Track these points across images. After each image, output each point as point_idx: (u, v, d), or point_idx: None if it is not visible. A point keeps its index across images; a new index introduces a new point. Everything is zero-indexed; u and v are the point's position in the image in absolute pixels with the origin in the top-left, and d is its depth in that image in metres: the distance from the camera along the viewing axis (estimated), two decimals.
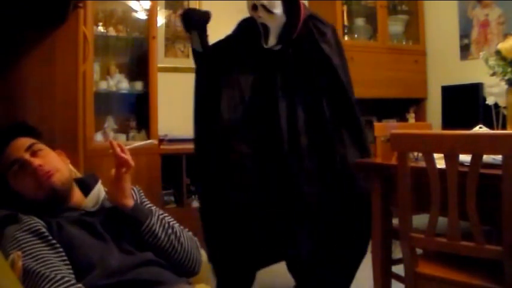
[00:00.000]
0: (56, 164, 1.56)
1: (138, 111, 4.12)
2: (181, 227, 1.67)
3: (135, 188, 1.73)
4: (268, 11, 2.47)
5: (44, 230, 1.38)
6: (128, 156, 1.58)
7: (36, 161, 1.50)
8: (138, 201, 1.67)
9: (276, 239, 2.48)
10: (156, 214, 1.58)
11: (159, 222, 1.55)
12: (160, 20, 4.37)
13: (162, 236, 1.54)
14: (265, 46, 2.57)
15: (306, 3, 5.13)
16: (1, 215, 1.44)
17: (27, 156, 1.51)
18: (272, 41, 2.55)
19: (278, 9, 2.48)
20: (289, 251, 2.53)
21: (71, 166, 1.73)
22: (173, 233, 1.57)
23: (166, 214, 1.70)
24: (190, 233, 1.68)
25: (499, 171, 1.76)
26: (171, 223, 1.61)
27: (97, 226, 1.48)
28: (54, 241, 1.37)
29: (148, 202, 1.72)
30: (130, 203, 1.55)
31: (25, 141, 1.55)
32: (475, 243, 1.82)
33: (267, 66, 2.58)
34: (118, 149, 1.56)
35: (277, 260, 2.70)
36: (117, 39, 4.11)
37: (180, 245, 1.57)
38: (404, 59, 5.00)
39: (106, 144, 3.72)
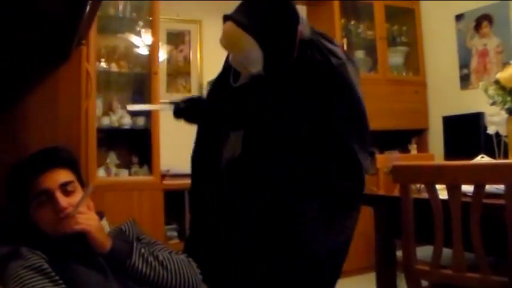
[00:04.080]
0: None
1: (141, 146, 4.13)
2: (173, 251, 1.65)
3: (129, 222, 1.70)
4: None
5: (46, 266, 1.37)
6: (82, 216, 1.47)
7: (65, 202, 1.47)
8: (133, 236, 1.64)
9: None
10: (138, 249, 1.52)
11: (141, 257, 1.51)
12: (162, 55, 4.42)
13: (148, 271, 1.50)
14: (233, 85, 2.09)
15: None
16: (3, 251, 1.43)
17: (58, 193, 1.47)
18: (243, 79, 2.06)
19: (255, 66, 1.95)
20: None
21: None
22: (159, 264, 1.53)
23: (159, 242, 1.68)
24: (183, 256, 1.65)
25: (502, 201, 1.76)
26: (157, 252, 1.57)
27: (101, 261, 1.47)
28: (56, 277, 1.36)
29: (144, 235, 1.70)
30: (106, 247, 1.48)
31: (63, 176, 1.51)
32: (481, 274, 1.80)
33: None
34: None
35: None
36: (119, 74, 4.14)
37: (170, 274, 1.54)
38: (404, 90, 5.03)
39: (108, 180, 3.77)
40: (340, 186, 1.94)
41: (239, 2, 1.99)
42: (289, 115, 1.93)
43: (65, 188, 1.50)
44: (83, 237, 1.47)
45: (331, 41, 2.01)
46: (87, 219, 1.47)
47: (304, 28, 1.95)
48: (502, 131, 2.66)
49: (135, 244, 1.55)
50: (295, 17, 1.93)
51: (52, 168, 1.51)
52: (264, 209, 1.93)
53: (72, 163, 1.59)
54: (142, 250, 1.54)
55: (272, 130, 1.95)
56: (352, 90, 1.96)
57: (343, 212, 1.98)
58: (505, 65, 3.11)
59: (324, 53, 1.93)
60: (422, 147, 5.08)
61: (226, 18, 1.94)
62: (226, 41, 1.97)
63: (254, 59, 1.92)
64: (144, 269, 1.50)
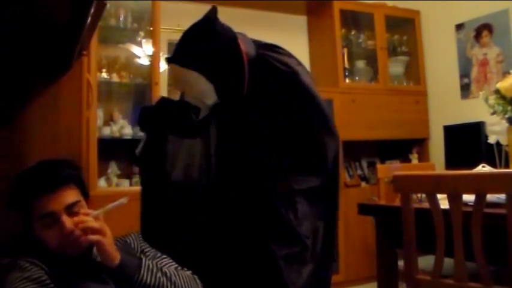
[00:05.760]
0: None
1: None
2: (178, 267, 1.65)
3: (133, 235, 1.70)
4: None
5: (45, 277, 1.37)
6: (96, 224, 1.46)
7: (71, 224, 1.44)
8: (138, 249, 1.64)
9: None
10: (146, 264, 1.51)
11: (149, 272, 1.49)
12: (163, 66, 4.42)
13: (156, 285, 1.49)
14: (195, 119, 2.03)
15: (307, 47, 5.20)
16: (3, 263, 1.43)
17: (64, 216, 1.44)
18: (204, 112, 2.02)
19: (210, 98, 1.94)
20: None
21: None
22: (167, 280, 1.52)
23: (164, 256, 1.67)
24: (188, 272, 1.64)
25: (503, 211, 1.75)
26: (164, 268, 1.57)
27: (102, 274, 1.46)
28: None
29: (148, 247, 1.69)
30: (115, 261, 1.46)
31: (68, 197, 1.48)
32: (483, 284, 1.79)
33: None
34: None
35: None
36: (120, 85, 4.14)
37: None
38: (405, 100, 5.04)
39: (109, 190, 3.76)
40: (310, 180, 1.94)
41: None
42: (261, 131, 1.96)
43: (70, 210, 1.47)
44: (87, 251, 1.47)
45: (277, 51, 2.04)
46: (100, 231, 1.45)
47: (247, 47, 1.96)
48: (503, 141, 2.66)
49: (143, 258, 1.54)
50: (231, 38, 1.93)
51: (58, 188, 1.48)
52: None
53: (77, 179, 1.56)
54: (150, 265, 1.52)
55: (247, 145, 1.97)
56: (309, 90, 1.98)
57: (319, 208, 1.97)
58: (505, 74, 3.12)
59: (274, 65, 1.96)
60: (423, 157, 5.08)
61: (168, 61, 1.95)
62: (175, 82, 1.98)
63: (206, 91, 1.92)
64: (151, 284, 1.48)
